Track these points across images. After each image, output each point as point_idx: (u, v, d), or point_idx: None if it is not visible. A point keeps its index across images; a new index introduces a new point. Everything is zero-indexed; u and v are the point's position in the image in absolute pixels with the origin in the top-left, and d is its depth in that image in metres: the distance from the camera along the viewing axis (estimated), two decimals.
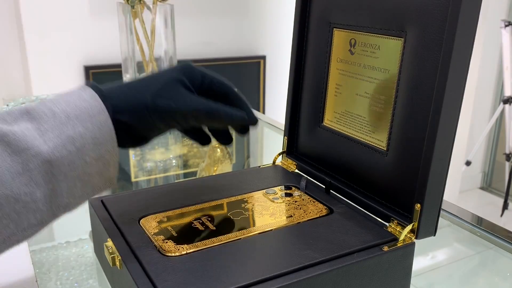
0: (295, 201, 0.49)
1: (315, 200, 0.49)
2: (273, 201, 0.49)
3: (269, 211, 0.47)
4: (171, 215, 0.46)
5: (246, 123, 0.46)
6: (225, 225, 0.44)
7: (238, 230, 0.43)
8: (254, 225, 0.44)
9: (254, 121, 0.46)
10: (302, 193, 0.50)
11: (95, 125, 0.38)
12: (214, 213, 0.47)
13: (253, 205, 0.48)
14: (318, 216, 0.46)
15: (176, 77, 0.42)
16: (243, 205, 0.48)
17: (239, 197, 0.50)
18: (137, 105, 0.40)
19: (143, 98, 0.40)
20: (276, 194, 0.50)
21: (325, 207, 0.47)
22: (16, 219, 0.35)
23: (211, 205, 0.48)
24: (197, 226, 0.44)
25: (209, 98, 0.44)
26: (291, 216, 0.45)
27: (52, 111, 0.37)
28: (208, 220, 0.45)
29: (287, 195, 0.50)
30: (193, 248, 0.40)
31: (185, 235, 0.42)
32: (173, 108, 0.41)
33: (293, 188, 0.52)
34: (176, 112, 0.41)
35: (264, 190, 0.51)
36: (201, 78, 0.44)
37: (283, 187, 0.52)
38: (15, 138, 0.35)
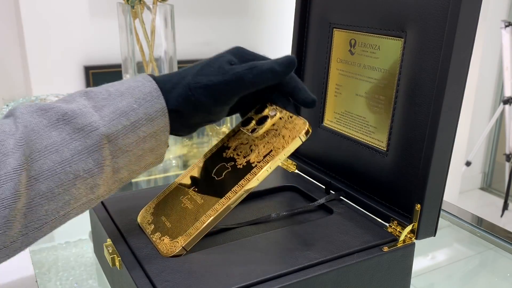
0: (273, 125, 0.44)
1: (292, 115, 0.43)
2: (251, 135, 0.44)
3: (251, 151, 0.43)
4: (160, 202, 0.46)
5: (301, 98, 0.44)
6: (213, 192, 0.42)
7: (225, 194, 0.41)
8: (239, 179, 0.41)
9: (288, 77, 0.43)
10: (281, 111, 0.44)
11: (148, 102, 0.39)
12: (198, 179, 0.45)
13: (233, 150, 0.45)
14: (300, 135, 0.40)
15: (222, 55, 0.42)
16: (224, 155, 0.45)
17: (218, 146, 0.47)
18: (180, 86, 0.40)
19: (185, 78, 0.41)
20: (253, 123, 0.45)
21: (306, 121, 0.41)
22: (76, 195, 0.37)
23: (193, 169, 0.46)
24: (186, 205, 0.43)
25: None
26: (271, 150, 0.41)
27: (107, 91, 0.39)
28: (195, 191, 0.44)
29: (263, 119, 0.44)
30: (187, 237, 0.40)
31: (178, 223, 0.42)
32: (214, 83, 0.40)
33: (269, 107, 0.45)
34: (217, 85, 0.40)
35: (240, 123, 0.47)
36: (252, 57, 0.43)
37: (258, 111, 0.46)
38: (73, 115, 0.37)
